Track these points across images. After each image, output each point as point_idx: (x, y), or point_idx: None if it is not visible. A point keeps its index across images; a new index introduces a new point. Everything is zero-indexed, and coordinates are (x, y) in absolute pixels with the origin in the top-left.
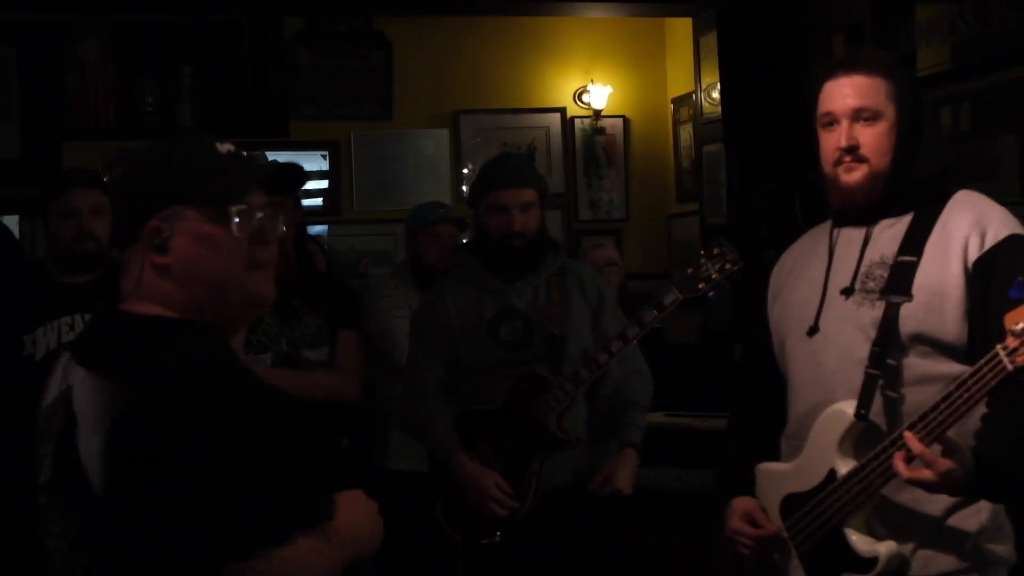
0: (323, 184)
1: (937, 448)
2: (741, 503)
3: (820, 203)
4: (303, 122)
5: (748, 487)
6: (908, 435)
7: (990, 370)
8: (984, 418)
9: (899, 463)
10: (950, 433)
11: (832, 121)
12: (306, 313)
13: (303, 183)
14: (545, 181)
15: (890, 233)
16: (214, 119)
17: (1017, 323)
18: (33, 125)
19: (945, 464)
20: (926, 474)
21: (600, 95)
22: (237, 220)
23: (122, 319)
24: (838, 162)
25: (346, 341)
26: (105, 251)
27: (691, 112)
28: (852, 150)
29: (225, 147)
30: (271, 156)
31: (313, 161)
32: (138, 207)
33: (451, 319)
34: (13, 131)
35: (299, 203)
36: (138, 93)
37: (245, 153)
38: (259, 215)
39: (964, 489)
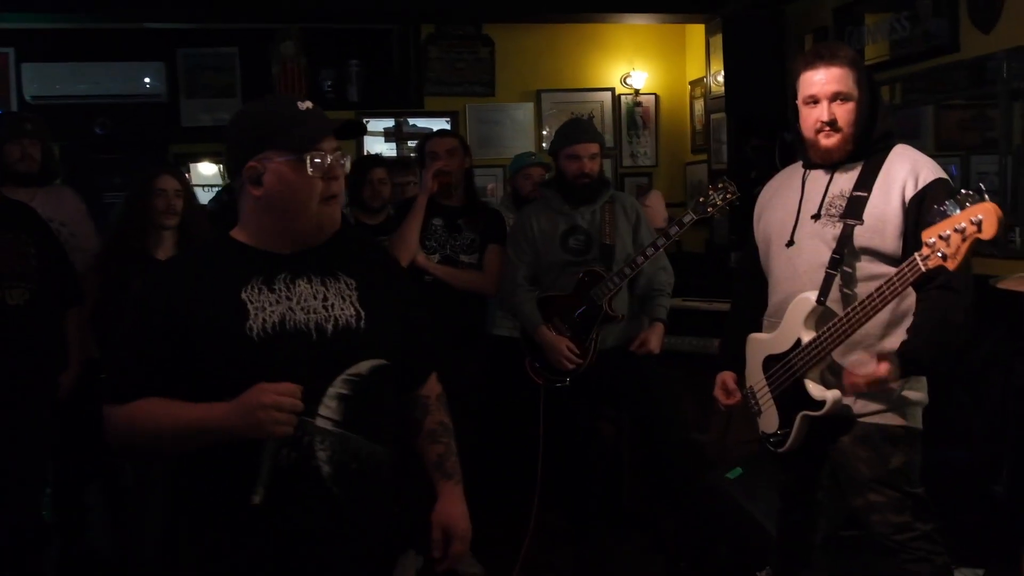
0: None
1: (874, 361)
2: (721, 377)
3: (792, 154)
4: (433, 97)
5: (734, 362)
6: (850, 374)
7: (910, 270)
8: (912, 325)
9: (855, 382)
10: (883, 315)
11: (815, 101)
12: (466, 229)
13: (362, 133)
14: (604, 138)
15: (847, 175)
16: (372, 96)
17: (930, 237)
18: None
19: (882, 372)
20: (875, 387)
21: (639, 78)
22: (311, 163)
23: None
24: (819, 131)
25: (492, 252)
26: (385, 204)
27: (702, 91)
28: (832, 123)
29: (305, 104)
30: (411, 122)
31: (440, 124)
32: (241, 151)
33: (535, 233)
34: (237, 105)
35: (468, 152)
36: (321, 78)
37: (318, 109)
38: (329, 158)
39: (901, 375)
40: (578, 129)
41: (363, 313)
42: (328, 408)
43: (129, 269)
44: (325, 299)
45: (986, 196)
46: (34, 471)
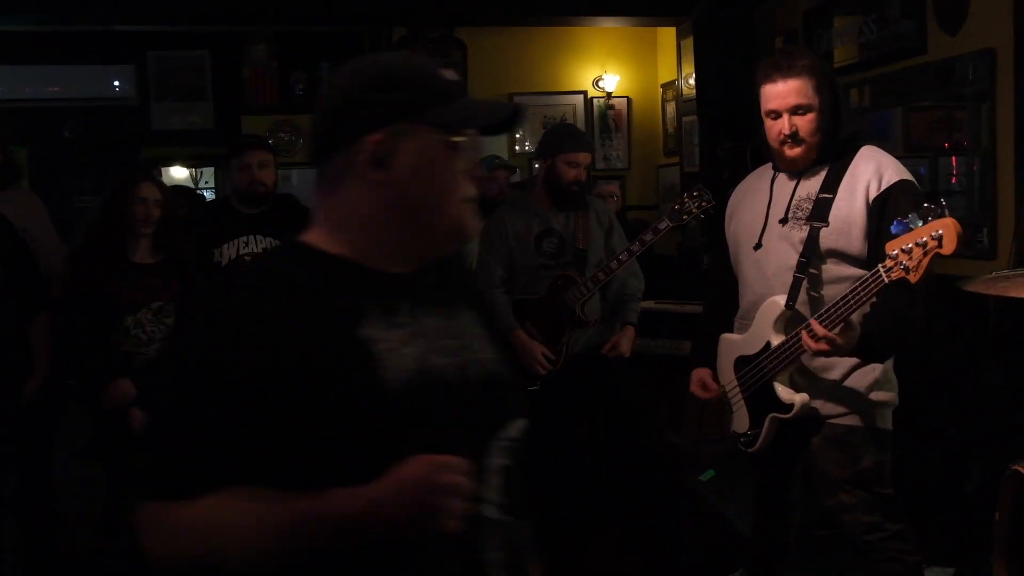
0: None
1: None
2: (698, 373)
3: (763, 156)
4: None
5: (708, 359)
6: (813, 321)
7: (873, 281)
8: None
9: (806, 338)
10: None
11: (776, 115)
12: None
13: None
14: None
15: (814, 178)
16: None
17: (893, 250)
18: (221, 104)
19: (837, 338)
20: (823, 345)
21: (611, 81)
22: (466, 150)
23: (280, 250)
24: (782, 143)
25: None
26: (271, 192)
27: (674, 93)
28: (793, 136)
29: (450, 73)
30: None
31: None
32: (361, 116)
33: (509, 234)
34: (208, 109)
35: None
36: (292, 81)
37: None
38: (474, 151)
39: (852, 353)
40: (581, 137)
41: (499, 356)
42: (493, 489)
43: (104, 271)
44: (460, 336)
45: (947, 211)
46: None
